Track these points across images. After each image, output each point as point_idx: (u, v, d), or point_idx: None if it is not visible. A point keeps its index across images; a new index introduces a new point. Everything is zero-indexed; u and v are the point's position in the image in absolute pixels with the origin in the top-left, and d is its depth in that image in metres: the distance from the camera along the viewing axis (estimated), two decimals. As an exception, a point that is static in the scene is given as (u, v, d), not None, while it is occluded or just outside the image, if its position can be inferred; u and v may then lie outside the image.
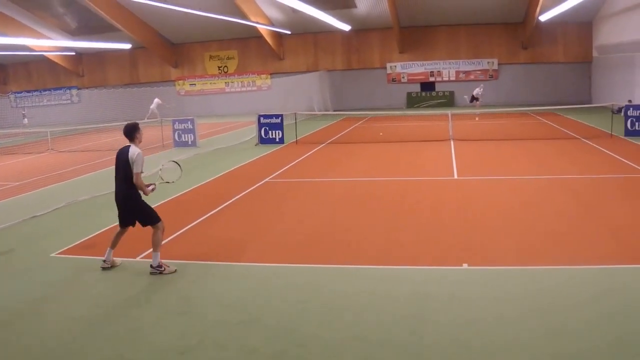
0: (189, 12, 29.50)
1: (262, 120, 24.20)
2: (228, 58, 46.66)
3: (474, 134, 23.66)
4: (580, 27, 39.42)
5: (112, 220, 11.68)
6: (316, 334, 6.30)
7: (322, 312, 6.89)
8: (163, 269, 8.39)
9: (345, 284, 7.79)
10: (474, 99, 34.07)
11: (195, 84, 47.66)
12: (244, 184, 15.00)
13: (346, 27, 39.18)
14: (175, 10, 28.25)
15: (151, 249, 8.51)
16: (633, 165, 15.66)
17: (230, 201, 13.13)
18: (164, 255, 9.13)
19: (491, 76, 42.12)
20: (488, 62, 42.45)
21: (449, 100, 43.03)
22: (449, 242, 9.34)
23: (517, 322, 6.38)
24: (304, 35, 43.80)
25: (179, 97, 46.45)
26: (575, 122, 28.08)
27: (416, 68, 43.69)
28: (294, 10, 35.86)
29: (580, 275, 7.72)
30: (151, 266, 8.40)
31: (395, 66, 43.93)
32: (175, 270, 8.46)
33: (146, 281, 8.18)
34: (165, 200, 13.46)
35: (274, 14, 40.19)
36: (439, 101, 43.25)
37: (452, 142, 21.57)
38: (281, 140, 23.86)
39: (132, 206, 8.56)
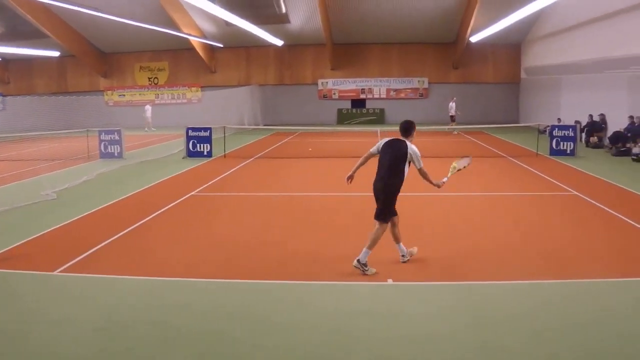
0: (121, 21, 29.00)
1: (190, 133, 24.03)
2: (159, 69, 46.12)
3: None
4: (510, 48, 41.04)
5: (32, 232, 11.40)
6: (242, 352, 6.26)
7: (249, 329, 6.84)
8: (367, 268, 8.51)
9: (272, 299, 7.77)
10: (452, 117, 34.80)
11: (124, 95, 46.77)
12: (169, 197, 14.83)
13: (279, 42, 39.42)
14: (106, 18, 27.76)
15: (72, 262, 8.28)
16: (557, 183, 16.34)
17: (155, 214, 12.97)
18: (86, 268, 8.98)
19: (421, 95, 43.03)
20: (419, 81, 43.40)
21: (379, 118, 43.78)
22: (375, 258, 9.40)
23: (446, 337, 6.43)
24: (236, 49, 43.81)
25: (107, 108, 45.65)
26: (503, 141, 29.03)
27: (348, 85, 44.28)
28: (228, 24, 35.85)
29: (509, 290, 7.91)
30: (358, 261, 8.51)
31: (327, 82, 44.40)
32: (375, 272, 8.55)
33: (67, 297, 7.99)
34: (90, 212, 13.22)
35: (206, 26, 40.07)
36: (369, 118, 43.90)
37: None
38: (209, 154, 23.75)
39: (386, 194, 8.78)
